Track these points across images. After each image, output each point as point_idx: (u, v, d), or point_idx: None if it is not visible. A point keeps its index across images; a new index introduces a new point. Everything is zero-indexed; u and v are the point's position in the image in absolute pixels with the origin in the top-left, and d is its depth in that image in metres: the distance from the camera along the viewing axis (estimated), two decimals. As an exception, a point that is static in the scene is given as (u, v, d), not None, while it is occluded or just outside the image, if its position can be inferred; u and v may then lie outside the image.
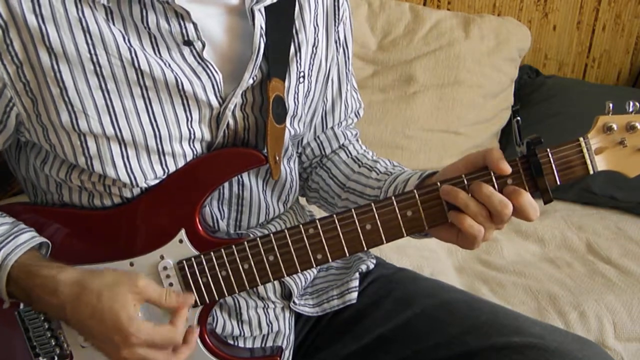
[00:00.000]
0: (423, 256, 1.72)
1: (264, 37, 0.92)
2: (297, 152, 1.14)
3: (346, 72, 1.13)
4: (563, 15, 2.34)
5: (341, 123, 1.15)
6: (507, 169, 0.86)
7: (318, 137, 1.14)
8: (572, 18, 2.34)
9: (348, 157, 1.13)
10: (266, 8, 0.93)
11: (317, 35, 1.03)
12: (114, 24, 0.85)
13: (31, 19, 0.82)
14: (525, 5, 2.32)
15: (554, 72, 2.42)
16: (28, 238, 0.90)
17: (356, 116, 1.18)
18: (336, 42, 1.07)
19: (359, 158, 1.12)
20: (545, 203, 0.89)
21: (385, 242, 0.91)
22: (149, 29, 0.87)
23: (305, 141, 1.14)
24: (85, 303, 0.85)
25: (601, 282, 1.66)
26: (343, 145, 1.15)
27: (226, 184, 0.99)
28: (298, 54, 0.99)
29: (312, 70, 1.03)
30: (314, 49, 1.02)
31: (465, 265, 1.75)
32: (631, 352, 1.55)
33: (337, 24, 1.05)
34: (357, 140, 1.18)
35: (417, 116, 2.07)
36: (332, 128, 1.14)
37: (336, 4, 1.05)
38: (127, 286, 0.86)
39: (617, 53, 2.40)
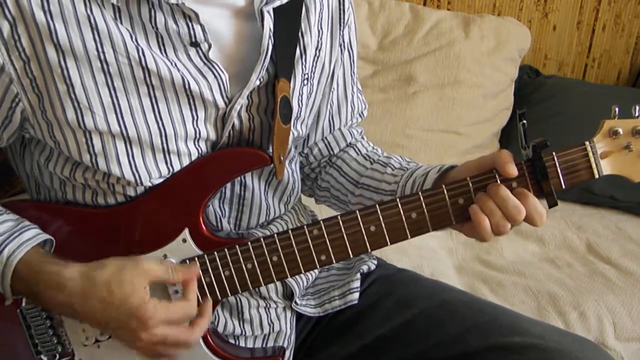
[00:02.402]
0: (423, 256, 1.72)
1: (272, 38, 0.92)
2: (303, 154, 1.15)
3: (351, 75, 1.13)
4: (563, 15, 2.34)
5: (347, 123, 1.15)
6: (514, 171, 0.87)
7: (326, 138, 1.15)
8: (572, 18, 2.34)
9: (358, 154, 1.13)
10: (274, 10, 0.93)
11: (321, 39, 1.03)
12: (121, 23, 0.86)
13: (39, 15, 0.82)
14: (525, 5, 2.32)
15: (554, 72, 2.42)
16: (32, 235, 0.90)
17: (360, 116, 1.18)
18: (341, 46, 1.07)
19: (370, 155, 1.12)
20: (550, 207, 0.89)
21: (389, 243, 0.91)
22: (157, 29, 0.87)
23: (311, 142, 1.14)
24: (94, 297, 0.85)
25: (601, 282, 1.66)
26: (350, 143, 1.15)
27: (228, 184, 0.99)
28: (304, 57, 1.00)
29: (314, 73, 1.04)
30: (317, 51, 1.03)
31: (465, 265, 1.75)
32: (631, 352, 1.55)
33: (342, 28, 1.06)
34: (363, 138, 1.18)
35: (417, 116, 2.08)
36: (339, 129, 1.15)
37: (341, 7, 1.05)
38: (132, 271, 0.86)
39: (617, 53, 2.40)
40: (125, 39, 0.85)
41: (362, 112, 1.18)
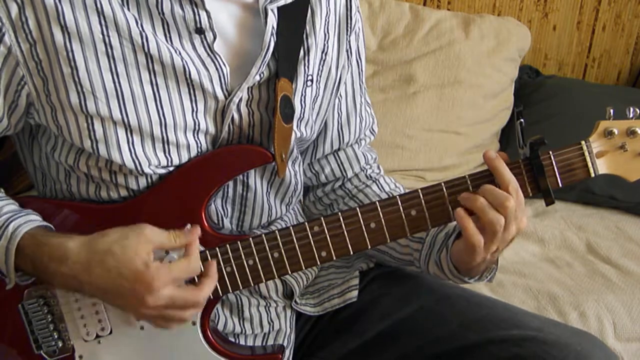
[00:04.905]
0: (423, 255, 1.72)
1: (274, 36, 0.93)
2: (314, 170, 1.14)
3: (360, 84, 1.13)
4: (563, 15, 2.34)
5: (358, 140, 1.15)
6: (491, 154, 0.90)
7: (338, 156, 1.14)
8: (572, 18, 2.35)
9: (381, 191, 1.13)
10: (279, 9, 0.94)
11: (327, 42, 1.03)
12: (128, 9, 0.87)
13: None
14: (525, 5, 2.32)
15: (554, 72, 2.42)
16: (37, 218, 0.92)
17: (372, 133, 1.18)
18: (347, 52, 1.07)
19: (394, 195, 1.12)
20: (547, 205, 0.90)
21: (389, 240, 0.92)
22: (163, 14, 0.88)
23: (320, 154, 1.13)
24: (97, 265, 0.85)
25: (601, 282, 1.66)
26: (368, 174, 1.15)
27: (230, 184, 0.99)
28: (306, 58, 1.00)
29: (320, 76, 1.04)
30: (324, 55, 1.03)
31: (465, 265, 1.75)
32: (631, 352, 1.55)
33: (348, 33, 1.06)
34: (379, 167, 1.18)
35: (417, 116, 2.07)
36: (351, 147, 1.15)
37: (349, 13, 1.06)
38: (135, 238, 0.86)
39: (617, 53, 2.40)
40: (130, 24, 0.87)
41: (372, 128, 1.18)
